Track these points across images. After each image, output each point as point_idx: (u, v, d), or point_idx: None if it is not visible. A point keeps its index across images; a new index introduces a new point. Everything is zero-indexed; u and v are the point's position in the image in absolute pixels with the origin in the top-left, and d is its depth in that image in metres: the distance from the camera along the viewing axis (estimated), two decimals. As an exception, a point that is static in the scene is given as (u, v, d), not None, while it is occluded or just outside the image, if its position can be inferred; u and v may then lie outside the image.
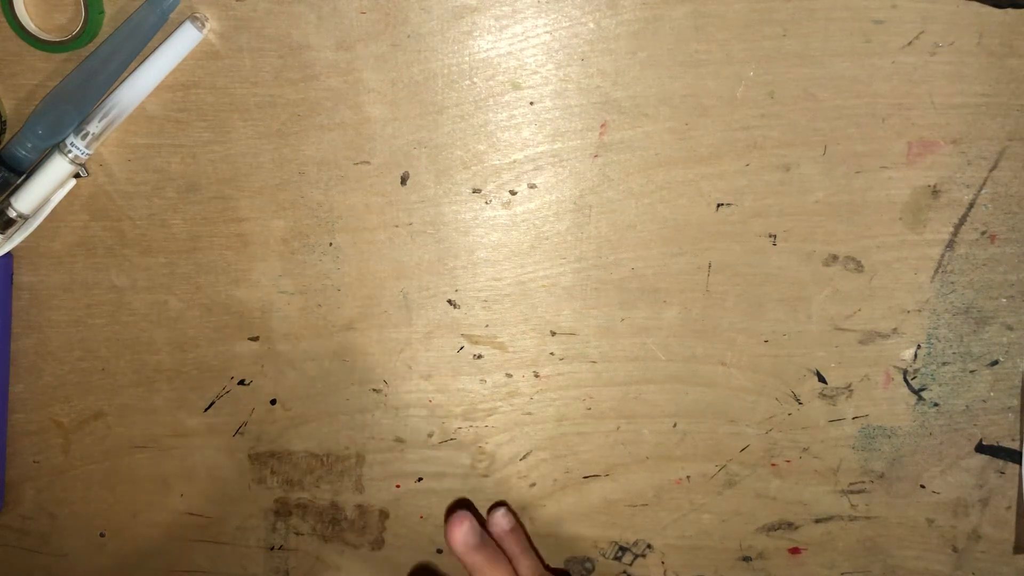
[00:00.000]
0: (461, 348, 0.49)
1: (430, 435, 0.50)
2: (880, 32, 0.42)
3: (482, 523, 0.48)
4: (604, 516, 0.51)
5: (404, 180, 0.46)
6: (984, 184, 0.45)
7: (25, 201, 0.44)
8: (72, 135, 0.43)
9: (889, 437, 0.49)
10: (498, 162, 0.45)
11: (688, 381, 0.48)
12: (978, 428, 0.49)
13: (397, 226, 0.47)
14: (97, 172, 0.46)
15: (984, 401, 0.48)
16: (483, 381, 0.49)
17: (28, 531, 0.53)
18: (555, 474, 0.50)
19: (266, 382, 0.50)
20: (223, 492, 0.52)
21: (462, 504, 0.51)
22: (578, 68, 0.44)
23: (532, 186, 0.46)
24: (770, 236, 0.46)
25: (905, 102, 0.43)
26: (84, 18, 0.42)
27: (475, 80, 0.44)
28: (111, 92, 0.43)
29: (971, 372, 0.48)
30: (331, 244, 0.47)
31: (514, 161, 0.45)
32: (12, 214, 0.44)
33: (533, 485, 0.51)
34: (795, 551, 0.51)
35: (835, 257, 0.46)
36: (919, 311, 0.47)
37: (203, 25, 0.43)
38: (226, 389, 0.50)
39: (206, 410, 0.50)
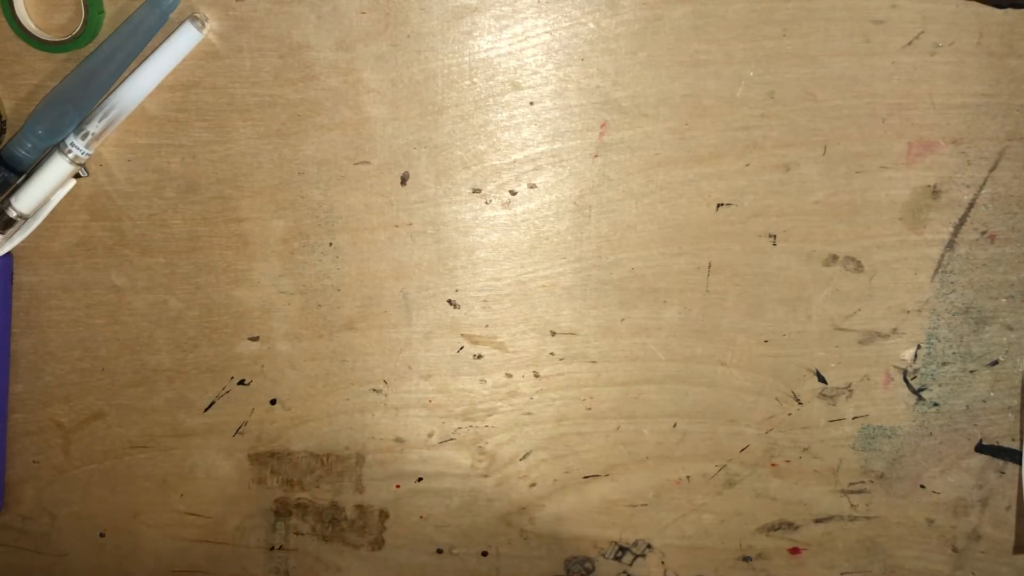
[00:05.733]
0: (461, 348, 0.49)
1: (430, 435, 0.50)
2: (880, 32, 0.42)
3: None
4: (604, 516, 0.51)
5: (404, 180, 0.46)
6: (984, 184, 0.45)
7: (25, 201, 0.44)
8: (72, 135, 0.43)
9: (889, 437, 0.49)
10: (498, 162, 0.45)
11: (688, 381, 0.48)
12: (978, 428, 0.49)
13: (397, 226, 0.47)
14: (97, 172, 0.46)
15: (984, 401, 0.48)
16: (483, 381, 0.49)
17: (28, 531, 0.53)
18: (555, 474, 0.50)
19: (266, 382, 0.50)
20: (223, 492, 0.52)
21: None
22: (578, 68, 0.44)
23: (532, 186, 0.46)
24: (770, 236, 0.46)
25: (905, 102, 0.43)
26: (84, 18, 0.42)
27: (475, 80, 0.44)
28: (111, 92, 0.43)
29: (971, 372, 0.48)
30: (331, 244, 0.47)
31: (514, 161, 0.45)
32: (12, 214, 0.44)
33: (533, 485, 0.51)
34: (795, 551, 0.51)
35: (835, 257, 0.46)
36: (919, 311, 0.47)
37: (203, 25, 0.43)
38: (226, 389, 0.50)
39: (206, 410, 0.50)
